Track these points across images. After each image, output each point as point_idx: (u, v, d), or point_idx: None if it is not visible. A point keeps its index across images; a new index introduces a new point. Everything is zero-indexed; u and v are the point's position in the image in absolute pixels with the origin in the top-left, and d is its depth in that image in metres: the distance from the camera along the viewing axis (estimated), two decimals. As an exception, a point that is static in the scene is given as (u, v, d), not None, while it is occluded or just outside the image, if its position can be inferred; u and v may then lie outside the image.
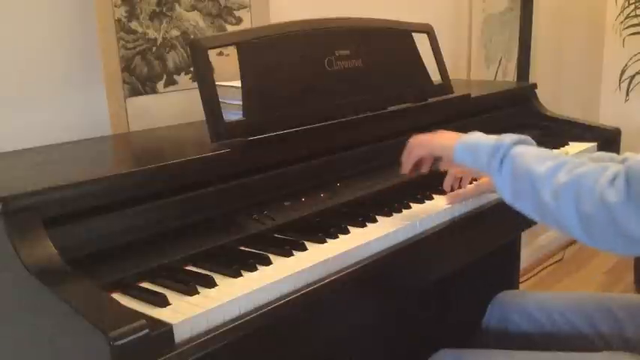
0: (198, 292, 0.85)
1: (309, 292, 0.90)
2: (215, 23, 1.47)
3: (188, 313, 0.79)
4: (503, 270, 2.00)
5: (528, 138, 1.02)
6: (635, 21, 2.88)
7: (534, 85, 1.90)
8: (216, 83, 1.11)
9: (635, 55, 2.91)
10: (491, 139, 1.02)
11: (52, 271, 0.78)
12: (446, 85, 1.52)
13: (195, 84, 1.13)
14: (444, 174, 1.22)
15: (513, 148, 0.98)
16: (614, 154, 1.05)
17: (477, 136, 1.06)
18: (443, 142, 1.09)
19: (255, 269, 0.92)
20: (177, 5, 1.40)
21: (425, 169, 1.18)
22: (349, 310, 1.01)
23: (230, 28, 1.50)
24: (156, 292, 0.85)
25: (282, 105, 1.18)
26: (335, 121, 1.23)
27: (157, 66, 1.38)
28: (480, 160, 1.02)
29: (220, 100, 1.10)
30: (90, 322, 0.70)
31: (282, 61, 1.20)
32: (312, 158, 1.20)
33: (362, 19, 1.38)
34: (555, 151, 0.98)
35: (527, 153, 0.96)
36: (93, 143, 1.25)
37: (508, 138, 1.00)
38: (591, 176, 0.87)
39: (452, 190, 1.23)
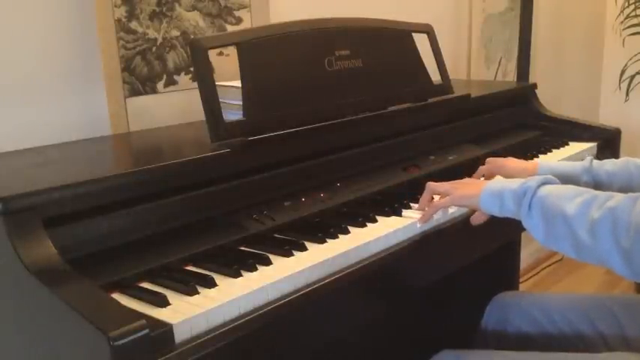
0: (198, 292, 0.85)
1: (309, 292, 0.90)
2: (215, 23, 1.47)
3: (188, 313, 0.79)
4: (503, 270, 2.00)
5: (552, 177, 1.02)
6: (635, 21, 2.88)
7: (534, 85, 1.90)
8: (216, 83, 1.11)
9: (635, 55, 2.91)
10: (516, 182, 1.01)
11: (52, 271, 0.78)
12: (446, 85, 1.52)
13: (195, 84, 1.13)
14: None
15: (539, 189, 0.98)
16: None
17: (500, 183, 1.05)
18: (467, 192, 1.08)
19: (255, 269, 0.92)
20: (177, 5, 1.40)
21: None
22: (349, 310, 1.01)
23: (230, 28, 1.50)
24: (156, 292, 0.85)
25: (282, 105, 1.18)
26: (335, 121, 1.23)
27: (157, 66, 1.38)
28: (507, 206, 1.01)
29: (220, 100, 1.10)
30: (90, 322, 0.70)
31: (282, 61, 1.20)
32: (312, 158, 1.20)
33: (362, 19, 1.38)
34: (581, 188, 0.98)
35: (554, 193, 0.96)
36: (93, 143, 1.24)
37: (532, 180, 0.99)
38: (624, 209, 0.87)
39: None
